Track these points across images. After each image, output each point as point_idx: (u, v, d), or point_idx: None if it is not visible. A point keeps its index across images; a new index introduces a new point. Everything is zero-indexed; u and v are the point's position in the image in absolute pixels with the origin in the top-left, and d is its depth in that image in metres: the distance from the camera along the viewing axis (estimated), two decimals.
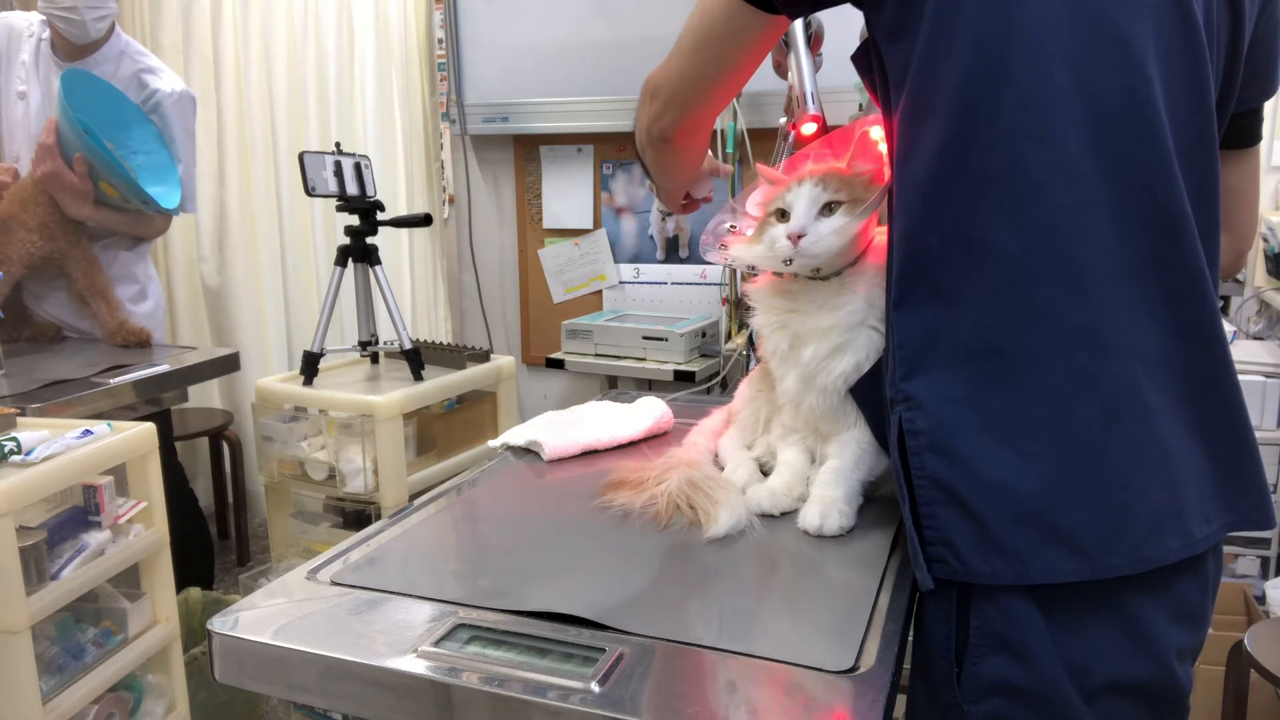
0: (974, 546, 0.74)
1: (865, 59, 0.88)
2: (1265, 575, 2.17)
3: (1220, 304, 0.81)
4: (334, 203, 1.95)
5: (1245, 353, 2.22)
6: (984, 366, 0.75)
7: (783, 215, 0.94)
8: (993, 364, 0.75)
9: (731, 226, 1.09)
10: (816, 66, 1.67)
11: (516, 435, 1.24)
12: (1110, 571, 0.73)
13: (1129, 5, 0.73)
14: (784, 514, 0.96)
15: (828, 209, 0.92)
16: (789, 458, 1.00)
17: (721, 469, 1.07)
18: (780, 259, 0.93)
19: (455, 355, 2.05)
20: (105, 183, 1.97)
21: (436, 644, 0.70)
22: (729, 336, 2.84)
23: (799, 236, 0.90)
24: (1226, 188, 0.84)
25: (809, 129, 1.61)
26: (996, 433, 0.74)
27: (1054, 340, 0.73)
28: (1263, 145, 0.95)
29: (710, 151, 1.14)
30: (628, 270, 3.09)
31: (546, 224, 3.20)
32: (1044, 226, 0.73)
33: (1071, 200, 0.73)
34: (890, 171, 0.85)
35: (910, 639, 0.80)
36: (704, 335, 2.78)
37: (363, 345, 2.03)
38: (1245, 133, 0.91)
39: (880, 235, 0.96)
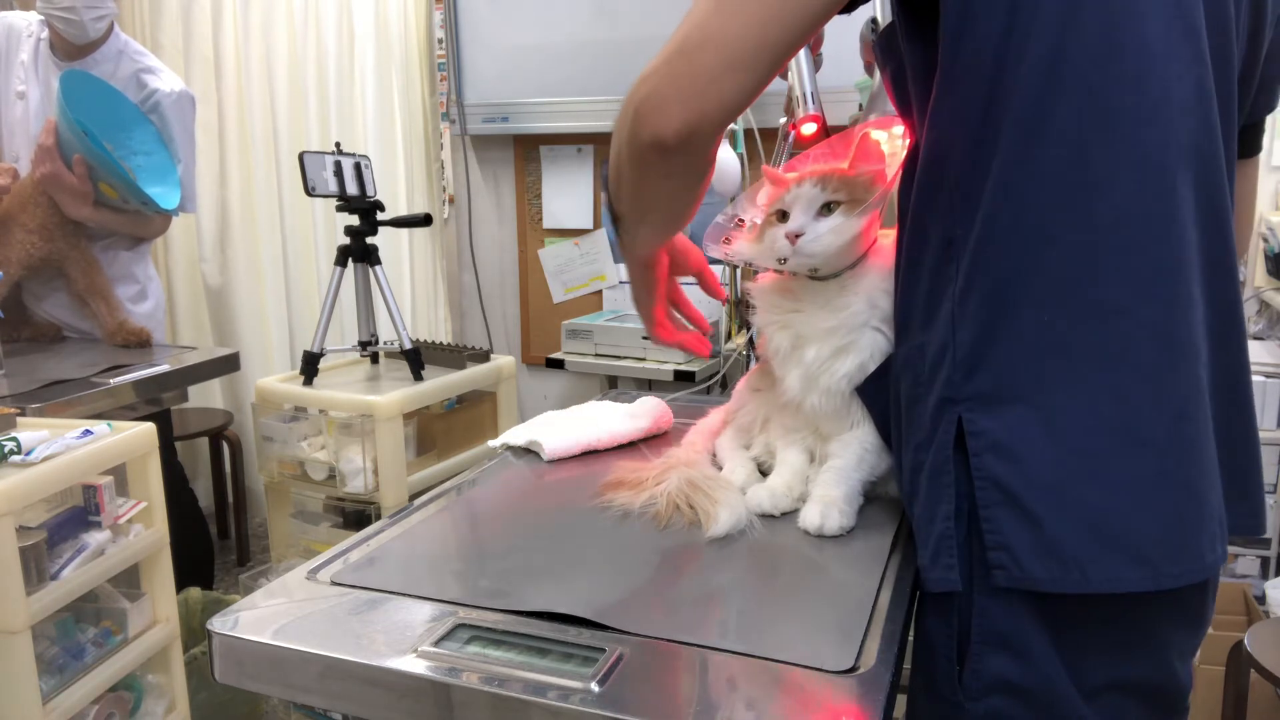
0: (1033, 552, 0.72)
1: (890, 50, 0.85)
2: (1265, 575, 2.17)
3: None
4: (334, 202, 1.95)
5: None
6: (1047, 363, 0.73)
7: (783, 216, 0.94)
8: (1057, 361, 0.73)
9: (741, 220, 1.07)
10: (816, 66, 1.67)
11: (516, 435, 1.24)
12: (1171, 582, 0.70)
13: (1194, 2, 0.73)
14: (784, 514, 0.96)
15: (826, 209, 0.92)
16: (789, 457, 1.00)
17: (719, 469, 1.07)
18: (776, 258, 0.93)
19: (455, 355, 2.05)
20: (104, 183, 1.97)
21: (436, 644, 0.70)
22: (729, 336, 2.83)
23: (796, 236, 0.90)
24: None
25: (809, 129, 1.62)
26: (1060, 433, 0.72)
27: (1121, 337, 0.71)
28: (1263, 144, 0.96)
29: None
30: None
31: (546, 224, 3.20)
32: (1108, 221, 0.71)
33: (1140, 194, 0.71)
34: (895, 172, 0.84)
35: (910, 638, 0.80)
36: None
37: (363, 345, 2.03)
38: (1245, 145, 0.91)
39: (885, 237, 0.96)
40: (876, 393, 0.92)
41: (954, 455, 0.76)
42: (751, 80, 0.71)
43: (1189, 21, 0.72)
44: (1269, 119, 0.94)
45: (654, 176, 0.78)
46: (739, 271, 2.69)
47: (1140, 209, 0.71)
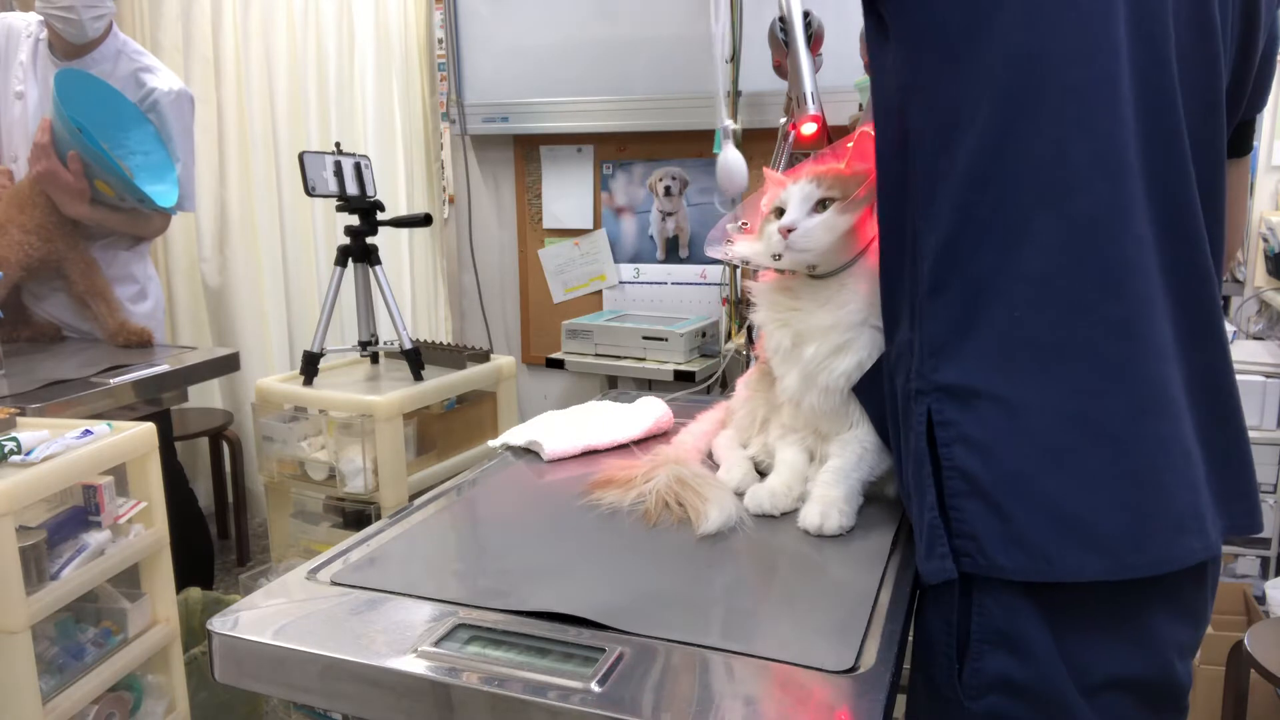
0: (999, 541, 0.73)
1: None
2: (1265, 575, 2.17)
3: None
4: (334, 202, 1.95)
5: (1245, 353, 2.22)
6: (1015, 357, 0.74)
7: (780, 214, 0.94)
8: (1024, 355, 0.74)
9: (744, 224, 1.08)
10: (816, 66, 1.67)
11: (516, 435, 1.24)
12: (1133, 572, 0.72)
13: (1158, 4, 0.73)
14: (784, 514, 0.96)
15: (821, 205, 0.93)
16: (788, 457, 1.00)
17: (716, 467, 1.07)
18: (771, 254, 0.93)
19: (455, 355, 2.05)
20: (101, 181, 1.97)
21: (436, 644, 0.70)
22: (729, 336, 2.83)
23: (789, 231, 0.91)
24: None
25: (809, 129, 1.61)
26: (1025, 425, 0.73)
27: (1086, 333, 0.73)
28: (1263, 145, 0.96)
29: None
30: (628, 270, 3.09)
31: (546, 224, 3.20)
32: (1084, 218, 0.72)
33: (1111, 193, 0.72)
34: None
35: (910, 637, 0.80)
36: (704, 335, 2.78)
37: (363, 345, 2.03)
38: (1235, 145, 0.91)
39: None
40: (871, 391, 0.92)
41: (927, 446, 0.78)
42: None
43: (1151, 28, 0.73)
44: (1270, 122, 0.94)
45: None
46: (739, 271, 2.70)
47: (1105, 207, 0.73)
